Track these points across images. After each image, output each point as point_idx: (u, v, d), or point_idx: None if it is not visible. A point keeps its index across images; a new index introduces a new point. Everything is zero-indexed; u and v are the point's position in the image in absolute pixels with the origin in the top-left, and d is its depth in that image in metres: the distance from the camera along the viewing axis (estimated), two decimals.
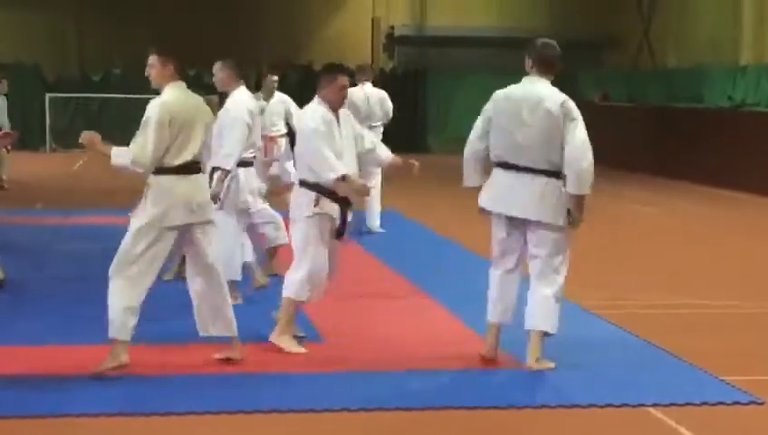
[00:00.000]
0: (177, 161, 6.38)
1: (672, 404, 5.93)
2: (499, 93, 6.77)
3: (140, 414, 5.64)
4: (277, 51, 29.55)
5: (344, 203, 6.91)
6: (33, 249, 11.12)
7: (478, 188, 6.83)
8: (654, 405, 5.91)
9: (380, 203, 12.68)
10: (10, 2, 28.96)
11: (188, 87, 6.63)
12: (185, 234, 6.48)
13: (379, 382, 6.35)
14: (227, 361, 6.58)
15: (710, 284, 9.88)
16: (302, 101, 8.13)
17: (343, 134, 6.94)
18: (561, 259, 6.68)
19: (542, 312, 6.63)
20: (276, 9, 30.23)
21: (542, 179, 6.59)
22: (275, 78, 12.21)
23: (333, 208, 6.87)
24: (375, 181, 12.54)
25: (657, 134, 21.25)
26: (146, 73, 6.64)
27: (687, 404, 5.95)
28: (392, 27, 31.23)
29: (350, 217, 7.01)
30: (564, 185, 6.57)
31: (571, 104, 6.59)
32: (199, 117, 6.54)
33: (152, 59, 6.58)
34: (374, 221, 12.58)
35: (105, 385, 6.11)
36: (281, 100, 12.18)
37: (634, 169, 21.16)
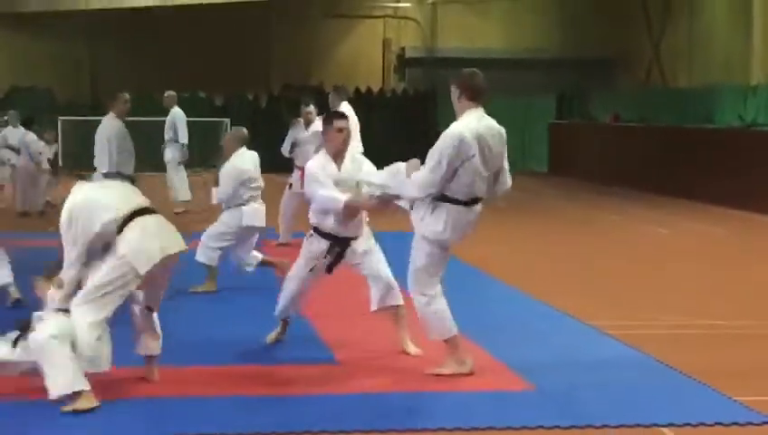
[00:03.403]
0: None
1: (686, 424, 5.92)
2: (464, 133, 6.86)
3: None
4: (288, 73, 29.68)
5: (336, 241, 7.41)
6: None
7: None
8: (667, 425, 5.90)
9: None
10: (23, 27, 29.18)
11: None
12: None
13: (393, 403, 6.35)
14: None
15: (723, 304, 9.85)
16: None
17: (342, 176, 7.41)
18: None
19: None
20: (287, 31, 30.38)
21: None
22: (310, 109, 12.24)
23: (320, 247, 7.43)
24: None
25: (669, 154, 21.24)
26: None
27: (701, 424, 5.94)
28: (403, 49, 31.36)
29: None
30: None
31: None
32: None
33: None
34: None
35: (124, 409, 6.14)
36: (318, 130, 12.15)
37: (645, 189, 21.12)
